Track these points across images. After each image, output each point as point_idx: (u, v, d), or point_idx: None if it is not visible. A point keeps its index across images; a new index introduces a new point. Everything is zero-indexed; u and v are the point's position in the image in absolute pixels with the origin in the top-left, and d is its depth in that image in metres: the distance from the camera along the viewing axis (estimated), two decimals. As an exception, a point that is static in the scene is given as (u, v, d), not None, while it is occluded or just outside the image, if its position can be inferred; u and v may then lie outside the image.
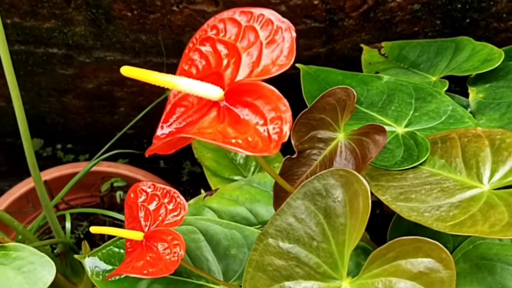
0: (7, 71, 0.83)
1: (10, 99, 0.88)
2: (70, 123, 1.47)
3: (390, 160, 0.78)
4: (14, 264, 0.70)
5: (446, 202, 0.68)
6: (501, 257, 0.72)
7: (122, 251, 0.85)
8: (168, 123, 0.60)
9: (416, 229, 0.69)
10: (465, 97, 0.96)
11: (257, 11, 0.55)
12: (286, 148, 0.79)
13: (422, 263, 0.59)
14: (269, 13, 0.55)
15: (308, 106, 0.79)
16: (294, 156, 0.77)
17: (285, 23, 0.54)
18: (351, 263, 0.75)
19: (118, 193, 1.34)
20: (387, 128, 0.84)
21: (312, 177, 0.64)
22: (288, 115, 0.51)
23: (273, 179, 0.74)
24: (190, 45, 0.60)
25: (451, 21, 1.12)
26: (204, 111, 0.56)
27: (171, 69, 1.19)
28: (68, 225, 1.16)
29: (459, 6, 1.09)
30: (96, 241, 1.32)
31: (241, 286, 0.72)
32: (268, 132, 0.51)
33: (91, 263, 0.84)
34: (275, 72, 0.53)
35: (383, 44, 1.12)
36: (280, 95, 0.51)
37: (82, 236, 1.34)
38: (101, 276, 0.83)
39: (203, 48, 0.59)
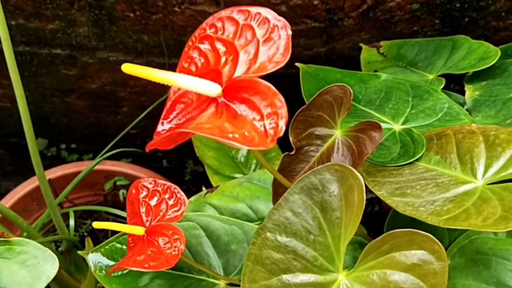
0: (11, 70, 0.84)
1: (15, 100, 0.89)
2: (74, 123, 1.48)
3: (387, 156, 0.79)
4: (18, 258, 0.71)
5: (440, 197, 0.70)
6: (496, 251, 0.73)
7: (124, 247, 0.86)
8: (169, 119, 0.62)
9: (412, 224, 0.69)
10: (462, 95, 0.97)
11: (254, 9, 0.57)
12: (286, 146, 0.81)
13: (415, 255, 0.60)
14: (265, 12, 0.56)
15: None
16: (293, 153, 0.79)
17: (281, 21, 0.55)
18: (349, 257, 0.76)
19: (121, 192, 1.35)
20: (384, 125, 0.86)
21: (309, 172, 0.65)
22: (283, 110, 0.52)
23: (273, 176, 0.76)
24: (190, 43, 0.61)
25: (450, 20, 1.13)
26: (203, 107, 0.58)
27: (173, 69, 1.19)
28: (71, 222, 1.17)
29: (457, 5, 1.09)
30: (100, 239, 1.33)
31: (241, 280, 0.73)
32: (264, 127, 0.53)
33: (94, 259, 0.85)
34: (271, 69, 0.54)
35: (381, 43, 1.13)
36: (276, 91, 0.53)
37: (86, 234, 1.35)
38: (104, 272, 0.84)
39: (202, 46, 0.60)
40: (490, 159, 0.72)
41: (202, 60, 0.60)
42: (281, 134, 0.52)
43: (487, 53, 0.96)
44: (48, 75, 1.31)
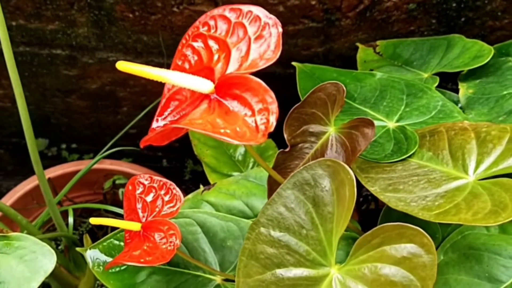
0: (10, 69, 0.85)
1: (15, 100, 0.89)
2: (74, 123, 1.49)
3: (380, 153, 0.80)
4: (16, 253, 0.72)
5: (432, 192, 0.70)
6: (488, 246, 0.73)
7: (122, 243, 0.87)
8: (163, 116, 0.63)
9: (405, 220, 0.70)
10: (457, 94, 0.97)
11: (245, 8, 0.58)
12: (283, 144, 0.82)
13: (405, 248, 0.61)
14: (257, 10, 0.57)
15: (302, 102, 0.81)
16: (287, 150, 0.80)
17: (272, 19, 0.56)
18: (343, 252, 0.77)
19: (121, 190, 1.36)
20: (378, 123, 0.87)
21: (301, 167, 0.66)
22: (274, 106, 0.53)
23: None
24: (183, 41, 0.62)
25: (447, 20, 1.13)
26: (196, 104, 0.59)
27: (172, 69, 1.21)
28: (70, 220, 1.18)
29: (454, 5, 1.10)
30: (99, 237, 1.34)
31: (236, 275, 0.74)
32: (255, 122, 0.54)
33: (92, 255, 0.86)
34: (262, 65, 0.55)
35: (378, 42, 1.14)
36: (267, 87, 0.53)
37: (85, 232, 1.36)
38: (101, 268, 0.85)
39: (195, 44, 0.61)
40: (481, 155, 0.73)
41: (196, 57, 0.61)
42: (272, 129, 0.53)
43: (480, 51, 0.97)
44: (48, 76, 1.32)
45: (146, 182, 0.78)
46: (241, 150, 1.14)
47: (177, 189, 0.76)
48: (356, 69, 1.10)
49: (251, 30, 0.57)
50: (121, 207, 1.27)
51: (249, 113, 0.54)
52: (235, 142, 0.53)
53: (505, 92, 0.90)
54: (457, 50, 1.01)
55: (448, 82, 1.07)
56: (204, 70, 0.59)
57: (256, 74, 0.54)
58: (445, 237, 0.78)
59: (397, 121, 0.88)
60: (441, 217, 0.66)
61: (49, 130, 1.53)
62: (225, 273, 0.84)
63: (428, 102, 0.89)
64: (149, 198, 0.77)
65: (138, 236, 0.76)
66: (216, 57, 0.59)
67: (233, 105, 0.55)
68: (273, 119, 0.53)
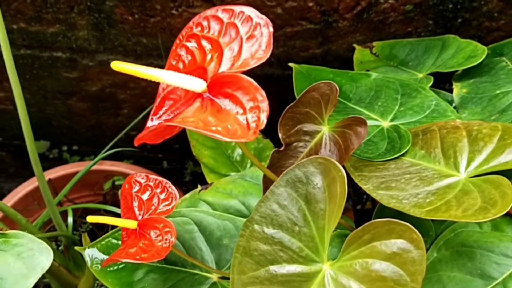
0: (9, 71, 0.86)
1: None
2: (75, 125, 1.50)
3: (374, 152, 0.81)
4: (14, 250, 0.73)
5: (424, 190, 0.71)
6: (481, 244, 0.74)
7: (120, 242, 0.88)
8: (158, 115, 0.64)
9: (399, 217, 0.71)
10: (452, 93, 0.98)
11: (237, 8, 0.59)
12: (280, 143, 0.82)
13: (395, 244, 0.61)
14: (248, 10, 0.58)
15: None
16: (282, 149, 0.80)
17: (263, 19, 0.57)
18: (336, 249, 0.78)
19: (120, 191, 1.37)
20: (373, 122, 0.88)
21: (294, 165, 0.67)
22: (265, 104, 0.54)
23: (264, 174, 0.78)
24: (177, 41, 0.63)
25: (443, 21, 1.14)
26: (189, 103, 0.60)
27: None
28: (70, 219, 1.19)
29: (450, 6, 1.10)
30: (99, 237, 1.35)
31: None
32: (247, 120, 0.55)
33: (91, 254, 0.87)
34: (253, 64, 0.56)
35: (374, 43, 1.14)
36: (258, 86, 0.55)
37: (85, 233, 1.37)
38: (100, 266, 0.86)
39: (189, 44, 0.62)
40: (472, 153, 0.74)
41: (189, 57, 0.62)
42: (263, 127, 0.54)
43: (474, 51, 0.98)
44: (49, 78, 1.33)
45: (142, 181, 0.79)
46: (239, 150, 1.15)
47: (173, 187, 0.77)
48: (354, 70, 1.11)
49: (243, 30, 0.58)
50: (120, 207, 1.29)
51: (241, 111, 0.55)
52: (226, 139, 0.54)
53: (498, 91, 0.91)
54: (451, 51, 1.02)
55: (445, 83, 1.08)
56: (197, 70, 0.60)
57: (254, 75, 0.55)
58: (439, 235, 0.79)
59: (391, 120, 0.89)
60: (432, 213, 0.67)
61: (50, 132, 1.54)
62: (221, 271, 0.85)
63: (422, 102, 0.90)
64: (145, 197, 0.78)
65: (135, 234, 0.77)
66: (209, 56, 0.60)
67: (225, 103, 0.56)
68: (263, 117, 0.54)
